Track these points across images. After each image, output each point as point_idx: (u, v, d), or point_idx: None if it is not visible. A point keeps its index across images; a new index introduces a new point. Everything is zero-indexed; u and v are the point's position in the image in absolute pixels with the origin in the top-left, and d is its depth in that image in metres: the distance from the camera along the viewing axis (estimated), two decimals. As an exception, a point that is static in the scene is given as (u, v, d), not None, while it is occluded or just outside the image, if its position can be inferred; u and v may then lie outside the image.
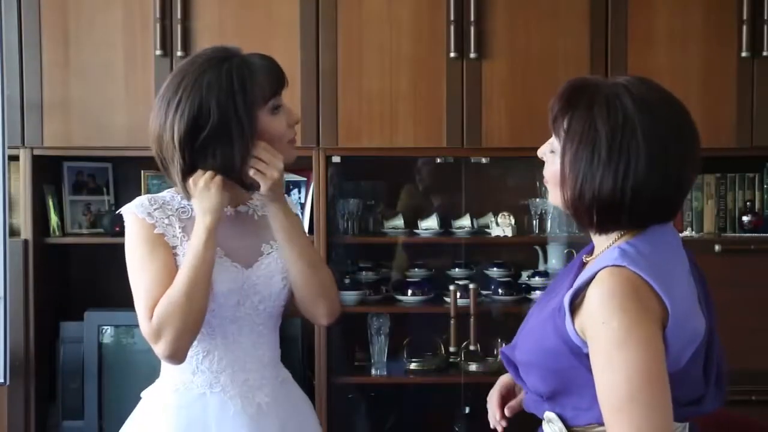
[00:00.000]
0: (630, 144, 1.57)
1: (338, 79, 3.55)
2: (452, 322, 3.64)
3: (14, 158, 3.49)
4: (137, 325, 1.93)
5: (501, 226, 3.76)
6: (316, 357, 3.57)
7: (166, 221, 1.99)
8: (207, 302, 1.93)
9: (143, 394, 2.09)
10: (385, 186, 3.98)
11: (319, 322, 2.11)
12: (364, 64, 3.56)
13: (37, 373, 3.52)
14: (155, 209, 2.00)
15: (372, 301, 3.81)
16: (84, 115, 3.55)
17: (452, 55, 3.53)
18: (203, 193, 1.94)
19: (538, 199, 3.79)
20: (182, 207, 2.02)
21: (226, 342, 2.01)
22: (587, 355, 1.57)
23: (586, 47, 3.55)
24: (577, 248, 3.66)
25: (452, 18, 3.53)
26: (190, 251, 1.92)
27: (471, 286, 3.66)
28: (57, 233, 3.66)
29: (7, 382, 3.33)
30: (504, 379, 1.90)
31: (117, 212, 2.09)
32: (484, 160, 3.69)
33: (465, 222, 3.81)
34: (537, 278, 3.81)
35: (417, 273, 3.88)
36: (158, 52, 3.51)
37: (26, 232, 3.55)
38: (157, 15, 3.51)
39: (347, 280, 3.76)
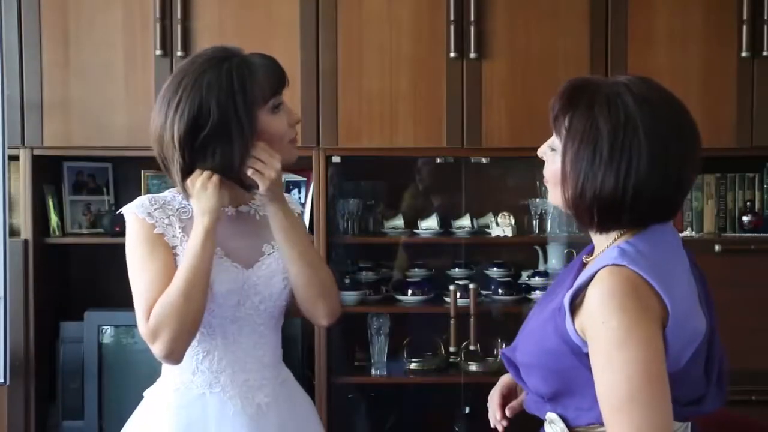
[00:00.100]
0: (632, 143, 1.56)
1: (338, 79, 3.55)
2: (452, 322, 3.64)
3: (14, 158, 3.49)
4: (137, 325, 1.93)
5: (501, 226, 3.76)
6: (316, 357, 3.57)
7: (167, 221, 1.99)
8: (205, 303, 1.92)
9: (146, 393, 2.09)
10: (385, 186, 3.98)
11: (319, 323, 2.11)
12: (364, 64, 3.56)
13: (37, 373, 3.52)
14: (155, 209, 2.00)
15: (372, 301, 3.81)
16: (84, 115, 3.55)
17: (452, 55, 3.53)
18: (201, 194, 1.94)
19: (538, 199, 3.79)
20: (183, 207, 2.02)
21: (226, 342, 2.01)
22: (588, 355, 1.57)
23: (586, 47, 3.55)
24: (577, 248, 3.66)
25: (452, 18, 3.53)
26: (188, 251, 1.92)
27: (471, 286, 3.66)
28: (57, 233, 3.66)
29: (7, 382, 3.33)
30: (505, 379, 1.90)
31: (117, 212, 2.10)
32: (484, 160, 3.69)
33: (465, 222, 3.81)
34: (537, 278, 3.81)
35: (417, 273, 3.88)
36: (158, 52, 3.51)
37: (26, 232, 3.55)
38: (157, 15, 3.51)
39: (347, 280, 3.76)
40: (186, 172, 1.95)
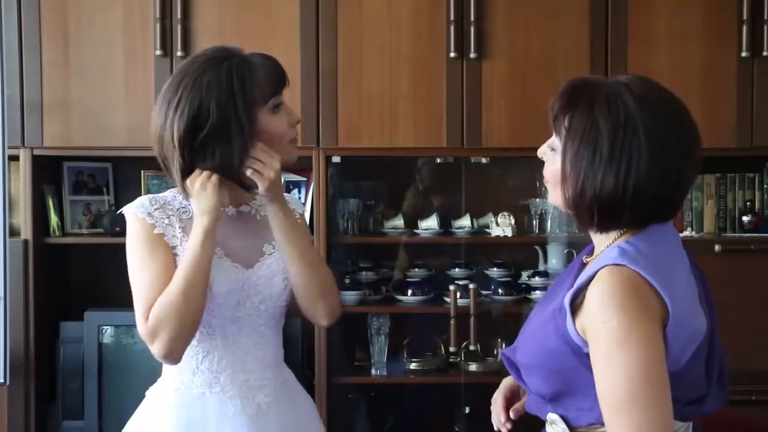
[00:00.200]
0: (632, 142, 1.56)
1: (338, 79, 3.55)
2: (452, 322, 3.64)
3: (14, 158, 3.49)
4: (136, 325, 1.93)
5: (501, 226, 3.76)
6: (316, 357, 3.57)
7: (167, 221, 2.00)
8: (204, 303, 1.92)
9: (148, 392, 2.10)
10: (385, 186, 3.98)
11: (319, 323, 2.10)
12: (364, 64, 3.56)
13: (37, 373, 3.52)
14: (155, 209, 2.00)
15: (372, 301, 3.81)
16: (84, 115, 3.55)
17: (452, 55, 3.53)
18: (200, 194, 1.94)
19: (538, 199, 3.79)
20: (183, 207, 2.02)
21: (226, 342, 2.01)
22: (588, 355, 1.57)
23: (586, 47, 3.55)
24: (577, 248, 3.66)
25: (452, 18, 3.53)
26: (187, 251, 1.92)
27: (471, 286, 3.66)
28: (57, 233, 3.66)
29: (7, 382, 3.33)
30: (507, 382, 1.90)
31: (118, 212, 2.10)
32: (484, 160, 3.69)
33: (465, 222, 3.81)
34: (537, 278, 3.81)
35: (417, 273, 3.88)
36: (158, 52, 3.51)
37: (26, 232, 3.55)
38: (157, 15, 3.51)
39: (347, 280, 3.76)
40: (186, 172, 1.95)
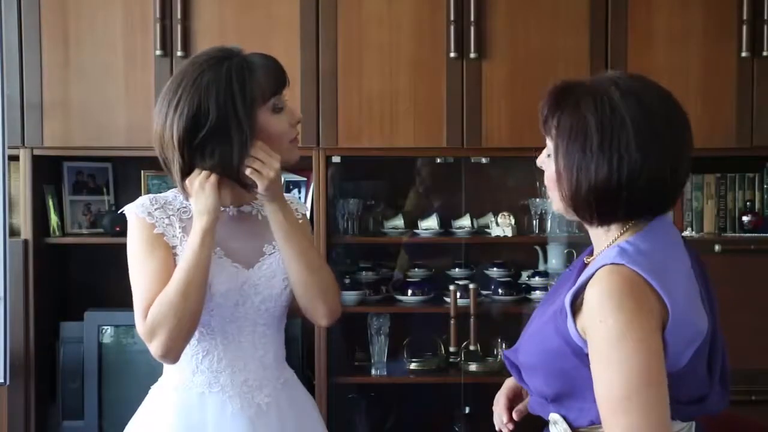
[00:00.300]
0: (620, 132, 1.58)
1: (338, 79, 3.55)
2: (452, 322, 3.64)
3: (14, 158, 3.49)
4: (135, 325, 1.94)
5: (501, 226, 3.76)
6: (316, 357, 3.57)
7: (167, 221, 2.00)
8: (203, 302, 1.92)
9: (152, 388, 2.10)
10: (385, 186, 3.98)
11: (318, 323, 2.11)
12: (364, 64, 3.56)
13: (37, 373, 3.52)
14: (156, 209, 2.00)
15: (372, 301, 3.81)
16: (84, 115, 3.55)
17: (452, 55, 3.53)
18: (199, 193, 1.94)
19: (538, 199, 3.79)
20: (184, 207, 2.02)
21: (226, 342, 2.01)
22: (588, 355, 1.57)
23: (586, 47, 3.55)
24: (577, 248, 3.66)
25: (452, 18, 3.53)
26: (186, 251, 1.93)
27: (471, 286, 3.66)
28: (57, 233, 3.66)
29: (7, 382, 3.33)
30: (510, 382, 1.90)
31: (119, 211, 2.10)
32: (484, 160, 3.69)
33: (465, 222, 3.81)
34: (537, 278, 3.81)
35: (417, 273, 3.88)
36: (158, 52, 3.51)
37: (26, 232, 3.55)
38: (157, 15, 3.51)
39: (347, 280, 3.76)
40: (185, 172, 1.95)
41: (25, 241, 3.53)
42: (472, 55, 3.54)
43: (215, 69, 1.93)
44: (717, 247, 3.50)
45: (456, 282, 3.76)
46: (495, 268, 3.86)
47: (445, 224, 3.84)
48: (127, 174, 3.88)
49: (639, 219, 1.64)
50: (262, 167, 1.94)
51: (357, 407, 3.85)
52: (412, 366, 3.73)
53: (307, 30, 3.54)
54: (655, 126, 1.59)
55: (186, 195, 2.00)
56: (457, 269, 3.88)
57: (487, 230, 3.82)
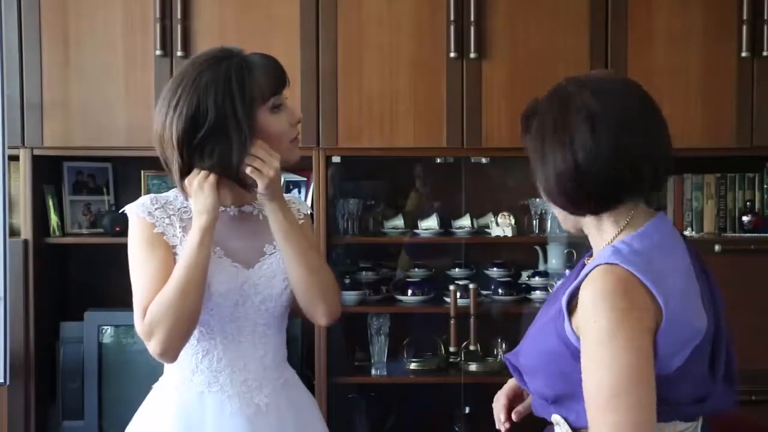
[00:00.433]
0: (570, 118, 1.62)
1: (338, 79, 3.55)
2: (452, 322, 3.64)
3: (14, 158, 3.49)
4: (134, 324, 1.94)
5: (501, 226, 3.76)
6: (316, 357, 3.57)
7: (167, 221, 2.00)
8: (201, 301, 1.92)
9: (154, 386, 2.10)
10: (385, 186, 3.98)
11: (318, 322, 2.10)
12: (364, 64, 3.56)
13: (37, 373, 3.52)
14: (156, 209, 2.00)
15: (372, 301, 3.81)
16: (84, 115, 3.55)
17: (452, 55, 3.53)
18: (198, 193, 1.94)
19: (538, 199, 3.79)
20: (185, 207, 2.03)
21: (225, 342, 2.01)
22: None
23: (586, 47, 3.55)
24: (577, 248, 3.67)
25: (452, 18, 3.53)
26: (184, 250, 1.93)
27: (471, 286, 3.66)
28: (57, 233, 3.66)
29: (7, 382, 3.33)
30: (512, 382, 1.90)
31: (120, 211, 2.11)
32: (484, 160, 3.69)
33: (465, 222, 3.81)
34: (537, 278, 3.81)
35: (417, 273, 3.88)
36: (158, 52, 3.51)
37: (26, 232, 3.55)
38: (157, 15, 3.51)
39: (347, 280, 3.76)
40: (185, 172, 1.96)
41: (25, 241, 3.53)
42: (472, 55, 3.54)
43: (214, 69, 1.93)
44: (717, 247, 3.50)
45: (456, 282, 3.76)
46: (495, 268, 3.86)
47: (445, 224, 3.84)
48: (127, 174, 3.88)
49: (620, 206, 1.65)
50: (262, 166, 1.94)
51: (357, 407, 3.85)
52: (412, 366, 3.73)
53: (307, 30, 3.54)
54: (608, 110, 1.61)
55: (185, 195, 2.00)
56: (457, 269, 3.88)
57: (487, 230, 3.83)
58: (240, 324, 2.02)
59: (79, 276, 3.87)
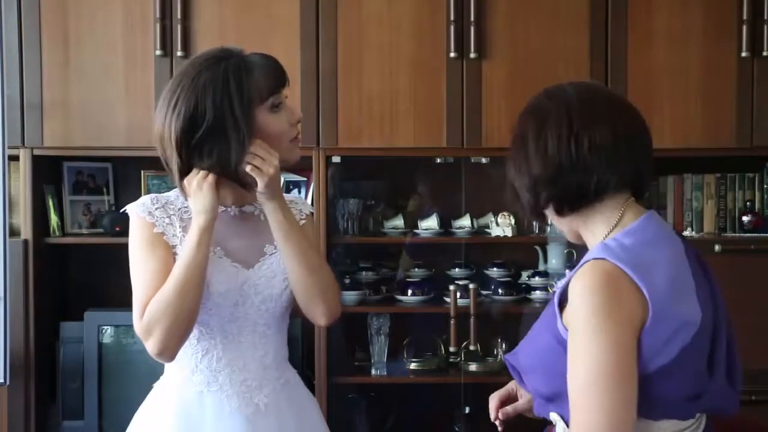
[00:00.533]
0: (527, 123, 1.68)
1: (338, 79, 3.55)
2: (452, 322, 3.64)
3: (14, 158, 3.49)
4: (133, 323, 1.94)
5: (501, 226, 3.76)
6: (316, 357, 3.57)
7: (167, 220, 2.00)
8: (199, 301, 1.93)
9: (155, 385, 2.10)
10: (385, 186, 3.98)
11: (317, 322, 2.10)
12: (364, 64, 3.56)
13: (37, 373, 3.52)
14: (156, 208, 2.01)
15: (372, 301, 3.81)
16: (84, 115, 3.55)
17: (452, 55, 3.53)
18: (196, 193, 1.94)
19: (537, 199, 3.78)
20: (185, 207, 2.03)
21: (225, 341, 2.01)
22: None
23: (586, 47, 3.55)
24: (576, 248, 3.65)
25: (452, 18, 3.53)
26: (183, 250, 1.93)
27: (471, 286, 3.66)
28: (57, 233, 3.66)
29: (7, 382, 3.33)
30: (511, 384, 1.91)
31: (120, 211, 2.11)
32: (484, 160, 3.69)
33: (465, 222, 3.81)
34: (537, 278, 3.81)
35: (417, 273, 3.88)
36: (158, 52, 3.51)
37: (26, 232, 3.55)
38: (157, 15, 3.51)
39: (347, 280, 3.76)
40: (184, 172, 1.96)
41: (25, 241, 3.53)
42: (472, 55, 3.54)
43: (213, 69, 1.93)
44: (717, 247, 3.50)
45: (456, 282, 3.76)
46: (495, 268, 3.86)
47: (445, 224, 3.84)
48: (127, 174, 3.88)
49: (608, 205, 1.66)
50: (261, 164, 1.94)
51: (357, 407, 3.85)
52: (412, 366, 3.73)
53: (307, 30, 3.54)
54: (569, 112, 1.65)
55: (185, 195, 2.00)
56: (457, 269, 3.88)
57: (487, 230, 3.83)
58: (240, 324, 2.02)
59: (79, 276, 3.87)
